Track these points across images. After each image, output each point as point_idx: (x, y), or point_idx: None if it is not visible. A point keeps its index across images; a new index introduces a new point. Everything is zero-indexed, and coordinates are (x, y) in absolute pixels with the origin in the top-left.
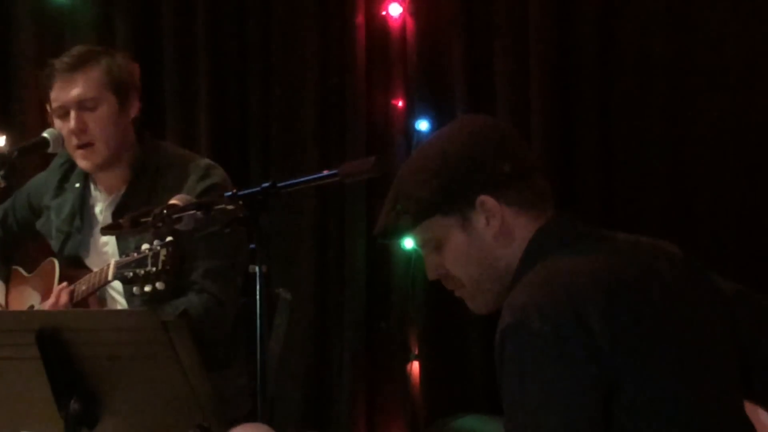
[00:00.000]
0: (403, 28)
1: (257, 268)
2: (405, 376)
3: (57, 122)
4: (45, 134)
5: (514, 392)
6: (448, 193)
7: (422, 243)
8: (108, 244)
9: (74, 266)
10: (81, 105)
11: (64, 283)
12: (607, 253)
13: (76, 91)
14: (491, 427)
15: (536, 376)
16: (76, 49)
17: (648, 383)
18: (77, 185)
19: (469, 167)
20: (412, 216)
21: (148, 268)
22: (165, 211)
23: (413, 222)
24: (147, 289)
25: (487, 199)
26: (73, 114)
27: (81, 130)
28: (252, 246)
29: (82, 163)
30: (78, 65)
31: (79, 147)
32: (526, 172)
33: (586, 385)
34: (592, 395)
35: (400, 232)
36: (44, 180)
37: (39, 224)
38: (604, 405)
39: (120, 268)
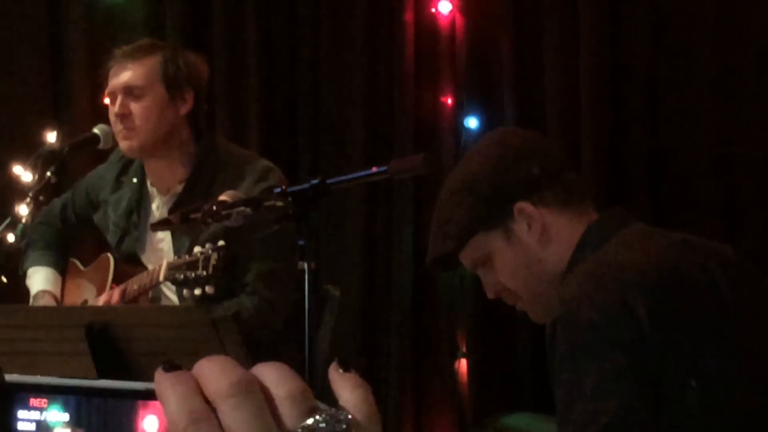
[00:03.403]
0: (453, 25)
1: (305, 265)
2: (453, 373)
3: (110, 109)
4: (95, 130)
5: (570, 381)
6: (485, 208)
7: (473, 264)
8: (163, 240)
9: (130, 262)
10: (127, 91)
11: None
12: (658, 248)
13: (125, 77)
14: (540, 425)
15: (591, 363)
16: (142, 40)
17: (690, 378)
18: (134, 180)
19: (500, 177)
20: (455, 239)
21: (199, 271)
22: (214, 208)
23: (458, 244)
24: (197, 292)
25: (524, 206)
26: (119, 99)
27: (123, 115)
28: (301, 242)
29: (122, 144)
30: (134, 54)
31: (122, 129)
32: (556, 171)
33: (639, 370)
34: (646, 379)
35: (450, 259)
36: (102, 174)
37: (96, 218)
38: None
39: (171, 269)
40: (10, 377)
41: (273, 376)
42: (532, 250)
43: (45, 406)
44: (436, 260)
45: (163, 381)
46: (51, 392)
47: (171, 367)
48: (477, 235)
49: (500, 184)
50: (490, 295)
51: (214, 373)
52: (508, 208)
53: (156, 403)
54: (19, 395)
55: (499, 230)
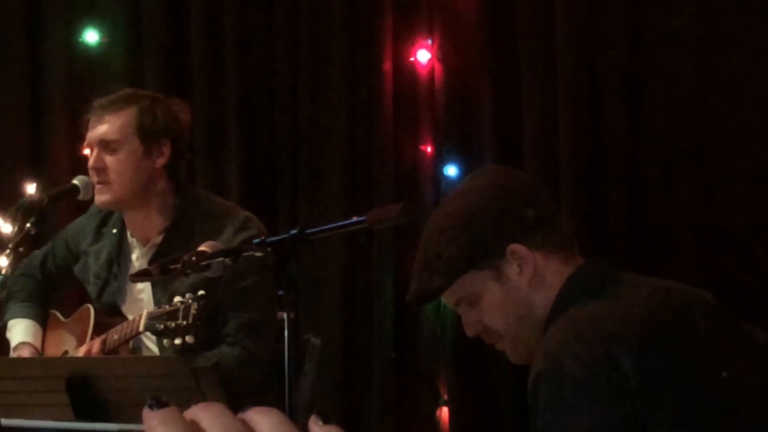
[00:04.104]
0: (431, 74)
1: (285, 315)
2: (434, 421)
3: (88, 160)
4: (75, 181)
5: None
6: (478, 247)
7: (457, 301)
8: (143, 291)
9: (110, 313)
10: (103, 144)
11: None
12: (639, 298)
13: (101, 130)
14: None
15: (572, 418)
16: (122, 91)
17: (676, 428)
18: (114, 231)
19: (495, 218)
20: (444, 276)
21: (179, 321)
22: (194, 258)
23: (447, 281)
24: (177, 341)
25: (517, 247)
26: (94, 152)
27: (98, 168)
28: (280, 293)
29: (97, 198)
30: (111, 106)
31: (98, 183)
32: (549, 215)
33: (622, 425)
34: None
35: (435, 294)
36: (82, 225)
37: (76, 269)
38: None
39: (151, 319)
40: (6, 421)
41: (267, 425)
42: (522, 292)
43: None
44: (420, 296)
45: (151, 419)
46: None
47: (158, 404)
48: (467, 274)
49: (495, 224)
50: (470, 334)
51: (212, 426)
52: (501, 249)
53: None
54: None
55: (489, 271)
